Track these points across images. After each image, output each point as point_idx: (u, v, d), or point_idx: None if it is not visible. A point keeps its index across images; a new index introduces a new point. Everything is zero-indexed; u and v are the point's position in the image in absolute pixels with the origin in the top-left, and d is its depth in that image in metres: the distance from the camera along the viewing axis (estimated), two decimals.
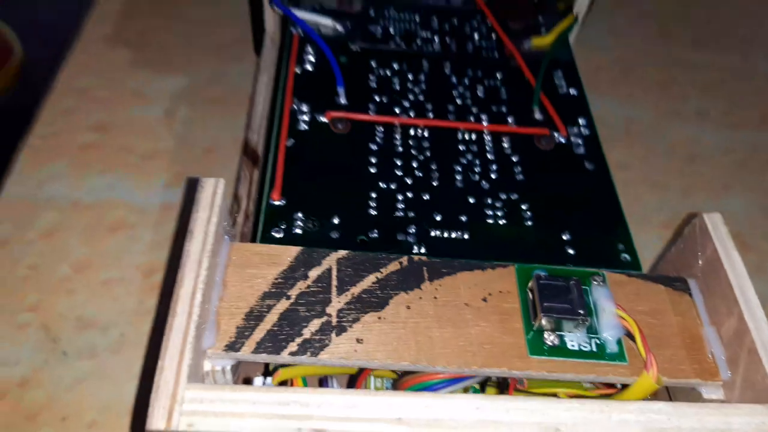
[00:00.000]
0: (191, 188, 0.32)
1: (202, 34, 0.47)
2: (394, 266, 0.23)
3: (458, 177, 0.28)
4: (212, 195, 0.22)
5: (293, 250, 0.23)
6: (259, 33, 0.40)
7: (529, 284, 0.22)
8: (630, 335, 0.22)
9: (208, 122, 0.40)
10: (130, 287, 0.31)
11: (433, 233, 0.25)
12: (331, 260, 0.23)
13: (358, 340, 0.21)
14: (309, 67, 0.31)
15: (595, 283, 0.23)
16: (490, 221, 0.26)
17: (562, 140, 0.30)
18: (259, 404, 0.18)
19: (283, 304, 0.21)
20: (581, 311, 0.21)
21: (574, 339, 0.22)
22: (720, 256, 0.23)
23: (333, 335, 0.21)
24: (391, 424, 0.18)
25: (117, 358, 0.29)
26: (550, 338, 0.21)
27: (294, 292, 0.22)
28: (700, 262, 0.24)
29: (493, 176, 0.28)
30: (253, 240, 0.26)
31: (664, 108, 0.47)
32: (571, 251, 0.25)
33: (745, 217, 0.41)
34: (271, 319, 0.21)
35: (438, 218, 0.26)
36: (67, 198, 0.35)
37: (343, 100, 0.30)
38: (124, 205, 0.35)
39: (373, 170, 0.27)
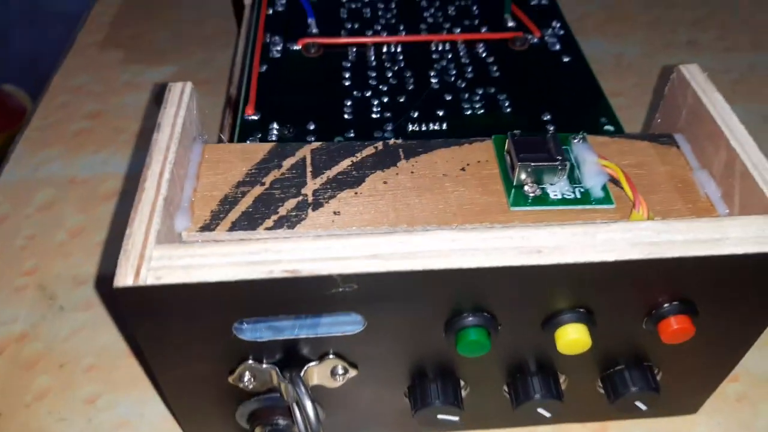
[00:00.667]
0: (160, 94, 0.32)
1: (191, 30, 0.48)
2: (369, 151, 0.23)
3: (434, 81, 0.27)
4: (180, 94, 0.22)
5: (267, 145, 0.23)
6: (239, 7, 0.40)
7: (506, 147, 0.22)
8: (615, 182, 0.21)
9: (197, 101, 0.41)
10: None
11: (410, 128, 0.25)
12: (305, 150, 0.22)
13: (335, 213, 0.20)
14: (280, 9, 0.32)
15: (575, 141, 0.22)
16: (468, 112, 0.26)
17: (536, 41, 0.30)
18: (231, 255, 0.17)
19: (257, 190, 0.21)
20: (559, 157, 0.21)
21: (557, 189, 0.21)
22: (701, 98, 0.22)
23: (309, 210, 0.20)
24: (366, 259, 0.17)
25: (112, 308, 0.29)
26: (531, 190, 0.21)
27: (268, 179, 0.21)
28: (683, 113, 0.23)
29: (468, 76, 0.28)
30: None
31: (654, 42, 0.47)
32: (551, 128, 0.25)
33: (747, 126, 0.39)
34: (245, 201, 0.21)
35: (415, 115, 0.26)
36: (63, 176, 0.35)
37: (314, 30, 0.30)
38: (117, 177, 0.35)
39: (347, 83, 0.27)
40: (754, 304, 0.19)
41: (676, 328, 0.19)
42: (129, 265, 0.17)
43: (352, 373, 0.20)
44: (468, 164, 0.22)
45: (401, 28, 0.31)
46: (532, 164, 0.20)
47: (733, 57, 0.45)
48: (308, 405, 0.19)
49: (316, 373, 0.20)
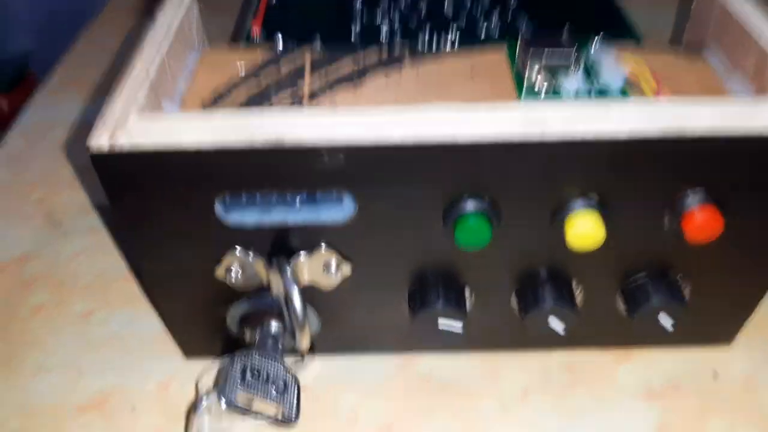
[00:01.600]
0: None
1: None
2: (373, 54, 0.22)
3: (448, 9, 0.26)
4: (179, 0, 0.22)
5: (265, 49, 0.22)
6: None
7: (518, 46, 0.21)
8: (634, 83, 0.20)
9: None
10: None
11: (420, 47, 0.24)
12: (305, 54, 0.22)
13: (332, 105, 0.19)
14: None
15: (593, 45, 0.21)
16: (483, 37, 0.25)
17: None
18: (212, 123, 0.16)
19: (252, 88, 0.20)
20: (573, 47, 0.19)
21: (572, 84, 0.19)
22: (728, 9, 0.20)
23: (305, 103, 0.20)
24: (354, 128, 0.16)
25: (112, 238, 0.28)
26: (544, 84, 0.19)
27: (264, 79, 0.21)
28: (710, 28, 0.22)
29: (485, 3, 0.27)
30: None
31: None
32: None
33: None
34: (238, 97, 0.20)
35: (426, 37, 0.25)
36: (78, 120, 0.35)
37: None
38: None
39: (357, 7, 0.27)
40: None
41: (701, 220, 0.17)
42: (105, 128, 0.16)
43: (346, 268, 0.19)
44: (477, 67, 0.21)
45: None
46: (545, 53, 0.19)
47: None
48: (294, 292, 0.18)
49: (307, 268, 0.19)
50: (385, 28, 0.25)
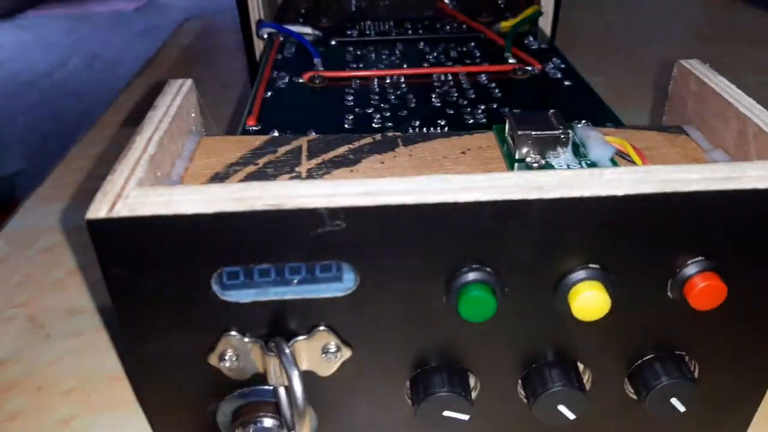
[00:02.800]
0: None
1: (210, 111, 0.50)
2: (367, 140, 0.22)
3: (436, 101, 0.28)
4: (178, 86, 0.22)
5: (264, 137, 0.22)
6: (253, 70, 0.42)
7: (507, 126, 0.21)
8: (623, 156, 0.20)
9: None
10: None
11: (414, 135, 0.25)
12: (302, 141, 0.22)
13: None
14: (288, 55, 0.33)
15: (579, 125, 0.22)
16: (470, 122, 0.26)
17: (537, 71, 0.30)
18: (212, 194, 0.16)
19: (250, 169, 0.21)
20: (561, 127, 0.20)
21: (562, 161, 0.20)
22: (705, 83, 0.22)
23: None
24: (356, 195, 0.16)
25: (102, 335, 0.27)
26: (534, 161, 0.20)
27: (262, 161, 0.21)
28: (689, 104, 0.23)
29: (471, 97, 0.28)
30: None
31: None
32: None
33: None
34: (236, 178, 0.20)
35: (416, 123, 0.26)
36: (68, 224, 0.35)
37: (320, 68, 0.31)
38: None
39: (350, 103, 0.28)
40: None
41: (703, 285, 0.17)
42: (105, 200, 0.16)
43: (346, 351, 0.18)
44: (469, 149, 0.21)
45: (404, 66, 0.32)
46: (533, 134, 0.20)
47: None
48: (294, 374, 0.17)
49: (305, 351, 0.18)
50: (377, 120, 0.26)
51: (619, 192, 0.16)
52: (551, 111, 0.21)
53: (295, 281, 0.17)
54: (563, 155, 0.20)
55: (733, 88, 0.21)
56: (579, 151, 0.20)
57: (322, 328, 0.18)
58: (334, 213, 0.16)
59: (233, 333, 0.18)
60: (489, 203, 0.16)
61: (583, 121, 0.22)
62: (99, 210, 0.16)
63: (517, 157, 0.20)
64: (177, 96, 0.22)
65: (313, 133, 0.25)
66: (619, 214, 0.16)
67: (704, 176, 0.16)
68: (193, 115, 0.23)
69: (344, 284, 0.17)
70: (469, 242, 0.16)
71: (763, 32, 0.66)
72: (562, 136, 0.20)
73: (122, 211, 0.15)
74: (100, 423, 0.23)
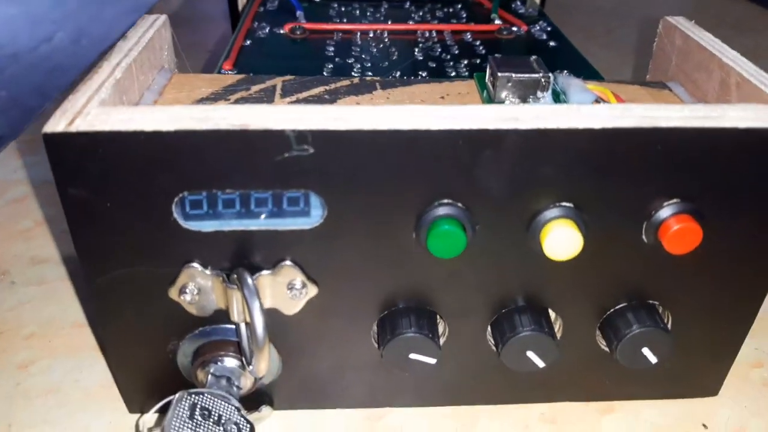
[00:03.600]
0: None
1: None
2: (344, 83, 0.22)
3: (419, 55, 0.27)
4: (152, 21, 0.22)
5: (237, 76, 0.22)
6: (236, 20, 0.41)
7: (487, 71, 0.21)
8: (603, 102, 0.20)
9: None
10: None
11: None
12: (277, 80, 0.22)
13: None
14: (270, 8, 0.32)
15: (560, 74, 0.21)
16: (452, 75, 0.25)
17: (523, 33, 0.30)
18: (175, 113, 0.15)
19: (219, 104, 0.20)
20: (542, 71, 0.19)
21: (541, 105, 0.19)
22: (690, 36, 0.21)
23: None
24: (324, 118, 0.15)
25: (67, 284, 0.26)
26: (513, 104, 0.19)
27: (234, 97, 0.20)
28: (673, 60, 0.22)
29: (455, 53, 0.27)
30: None
31: None
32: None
33: None
34: None
35: (397, 74, 0.25)
36: (39, 178, 0.34)
37: (302, 21, 0.30)
38: None
39: (330, 52, 0.27)
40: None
41: (678, 228, 0.16)
42: (64, 116, 0.15)
43: (312, 290, 0.18)
44: (448, 94, 0.21)
45: (389, 22, 0.31)
46: (514, 76, 0.19)
47: None
48: (255, 305, 0.16)
49: (270, 287, 0.17)
50: (357, 70, 0.25)
51: (596, 125, 0.15)
52: (533, 57, 0.20)
53: (263, 216, 0.16)
54: (543, 99, 0.19)
55: (717, 42, 0.21)
56: (560, 98, 0.20)
57: (287, 262, 0.17)
58: (302, 136, 0.15)
59: (195, 265, 0.17)
60: (463, 132, 0.15)
61: (565, 71, 0.21)
62: (57, 125, 0.15)
63: (496, 100, 0.20)
64: (150, 29, 0.21)
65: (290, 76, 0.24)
66: (595, 150, 0.15)
67: (683, 114, 0.16)
68: (165, 51, 0.22)
69: (312, 217, 0.16)
70: (441, 175, 0.16)
71: (750, 22, 0.66)
72: (543, 80, 0.19)
73: (81, 126, 0.15)
74: (58, 367, 0.22)
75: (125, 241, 0.16)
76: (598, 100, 0.20)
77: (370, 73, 0.25)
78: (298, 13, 0.31)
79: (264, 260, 0.17)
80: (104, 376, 0.22)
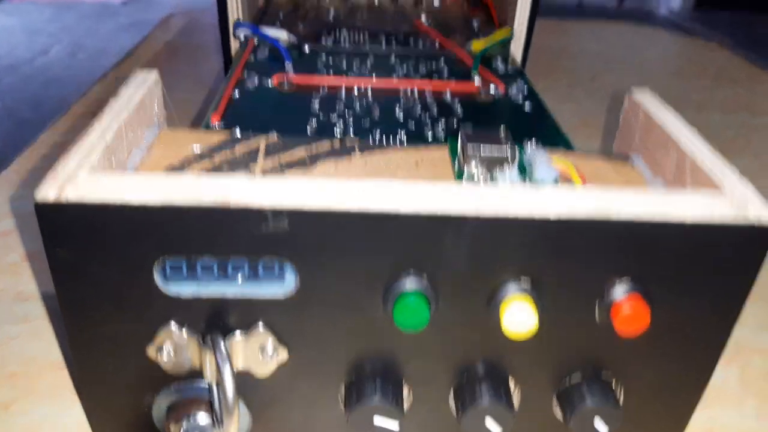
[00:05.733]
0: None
1: (182, 107, 0.50)
2: (325, 145, 0.23)
3: (399, 114, 0.28)
4: (144, 78, 0.23)
5: (223, 133, 0.23)
6: (229, 67, 0.43)
7: (459, 142, 0.22)
8: (567, 181, 0.21)
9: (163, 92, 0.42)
10: None
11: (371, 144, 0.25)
12: (261, 140, 0.23)
13: None
14: (261, 58, 0.34)
15: (528, 147, 0.22)
16: (430, 138, 0.26)
17: (501, 94, 0.31)
18: (160, 183, 0.16)
19: (205, 164, 0.21)
20: (508, 144, 0.21)
21: (507, 179, 0.21)
22: (652, 115, 0.23)
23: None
24: (300, 196, 0.16)
25: (49, 323, 0.27)
26: (482, 177, 0.20)
27: (219, 158, 0.21)
28: (636, 135, 0.24)
29: (434, 114, 0.28)
30: None
31: None
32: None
33: None
34: (191, 172, 0.20)
35: (377, 135, 0.26)
36: (29, 210, 0.35)
37: (291, 73, 0.32)
38: None
39: (315, 108, 0.28)
40: (715, 294, 0.18)
41: (629, 310, 0.17)
42: (54, 183, 0.16)
43: (283, 353, 0.19)
44: (422, 160, 0.22)
45: (373, 76, 0.32)
46: (482, 154, 0.20)
47: None
48: (226, 369, 0.17)
49: (243, 350, 0.18)
50: (339, 127, 0.27)
51: (551, 215, 0.16)
52: (501, 127, 0.22)
53: (238, 276, 0.17)
54: (509, 173, 0.21)
55: (676, 122, 0.22)
56: (525, 173, 0.21)
57: (260, 327, 0.18)
58: (279, 214, 0.16)
59: (172, 326, 0.18)
60: (426, 216, 0.16)
61: (533, 141, 0.22)
62: (48, 193, 0.16)
63: (465, 174, 0.21)
64: (141, 87, 0.22)
65: (275, 134, 0.25)
66: (550, 236, 0.17)
67: (635, 204, 0.17)
68: (155, 108, 0.23)
69: (285, 286, 0.17)
70: (407, 251, 0.17)
71: (731, 72, 0.68)
72: (509, 156, 0.20)
73: (71, 195, 0.16)
74: (39, 409, 0.23)
75: (107, 301, 0.17)
76: (560, 178, 0.21)
77: (351, 131, 0.26)
78: (287, 63, 0.32)
79: (238, 323, 0.18)
80: (83, 419, 0.22)
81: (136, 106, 0.21)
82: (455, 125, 0.27)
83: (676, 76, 0.66)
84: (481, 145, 0.20)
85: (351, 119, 0.27)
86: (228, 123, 0.26)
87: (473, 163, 0.21)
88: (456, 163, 0.22)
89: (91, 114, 0.48)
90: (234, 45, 0.40)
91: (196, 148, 0.22)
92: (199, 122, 0.36)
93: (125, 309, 0.18)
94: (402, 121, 0.28)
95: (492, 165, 0.21)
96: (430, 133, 0.26)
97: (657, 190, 0.20)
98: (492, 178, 0.20)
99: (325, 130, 0.26)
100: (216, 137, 0.22)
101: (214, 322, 0.18)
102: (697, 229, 0.17)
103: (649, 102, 0.23)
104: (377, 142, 0.25)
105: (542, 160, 0.21)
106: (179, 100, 0.51)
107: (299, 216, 0.16)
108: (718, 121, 0.54)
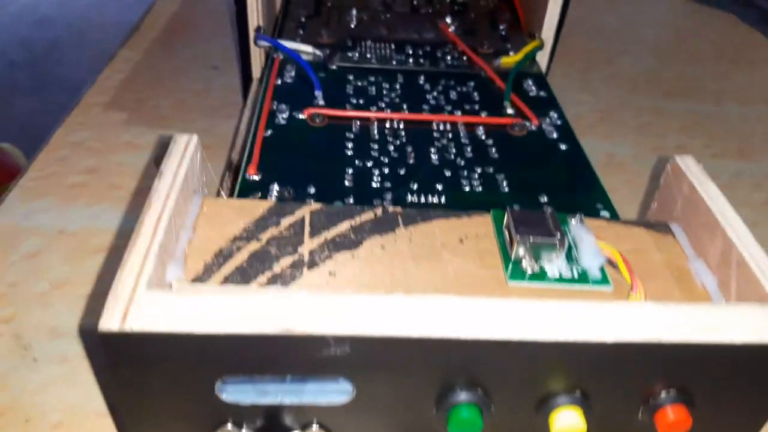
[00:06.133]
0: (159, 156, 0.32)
1: (196, 99, 0.49)
2: (368, 215, 0.23)
3: (434, 157, 0.28)
4: (185, 145, 0.22)
5: (266, 203, 0.23)
6: (247, 80, 0.42)
7: (504, 222, 0.22)
8: (613, 264, 0.21)
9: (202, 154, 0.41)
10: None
11: (409, 198, 0.25)
12: (305, 211, 0.22)
13: (331, 273, 0.20)
14: (288, 80, 0.33)
15: (572, 222, 0.22)
16: (467, 189, 0.26)
17: (534, 128, 0.30)
18: (221, 308, 0.17)
19: (253, 245, 0.21)
20: (558, 233, 0.21)
21: (555, 266, 0.21)
22: (696, 188, 0.23)
23: (304, 269, 0.20)
24: (361, 322, 0.17)
25: (87, 364, 0.27)
26: (529, 265, 0.21)
27: (265, 236, 0.21)
28: (678, 203, 0.24)
29: (468, 155, 0.28)
30: None
31: (644, 145, 0.48)
32: (548, 208, 0.25)
33: None
34: (240, 257, 0.20)
35: (414, 186, 0.26)
36: (52, 227, 0.35)
37: (321, 102, 0.31)
38: (108, 232, 0.35)
39: (349, 152, 0.28)
40: (753, 399, 0.19)
41: (672, 419, 0.18)
42: (117, 308, 0.16)
43: None
44: (466, 236, 0.22)
45: (404, 107, 0.32)
46: (531, 239, 0.20)
47: (719, 164, 0.47)
48: None
49: None
50: (376, 176, 0.26)
51: (608, 339, 0.17)
52: (549, 211, 0.22)
53: (296, 387, 0.18)
54: (557, 261, 0.21)
55: (723, 202, 0.22)
56: (571, 255, 0.21)
57: (315, 427, 0.19)
58: (340, 340, 0.16)
59: (229, 427, 0.18)
60: (483, 342, 0.17)
61: (577, 216, 0.22)
62: (111, 321, 0.16)
63: (513, 258, 0.21)
64: (183, 159, 0.22)
65: (313, 191, 0.25)
66: (604, 356, 0.17)
67: (686, 325, 0.17)
68: (196, 177, 0.23)
69: (341, 395, 0.18)
70: (463, 367, 0.17)
71: (751, 52, 0.66)
72: (558, 244, 0.21)
73: (134, 325, 0.16)
74: None
75: (166, 407, 0.18)
76: (607, 265, 0.21)
77: (388, 184, 0.26)
78: (317, 92, 0.31)
79: (294, 423, 0.19)
80: None
81: (180, 187, 0.21)
82: (492, 172, 0.27)
83: (692, 60, 0.64)
84: (530, 233, 0.21)
85: (387, 167, 0.27)
86: (264, 173, 0.26)
87: (521, 250, 0.21)
88: (501, 241, 0.22)
89: (102, 106, 0.47)
90: (254, 52, 0.38)
91: (241, 226, 0.21)
92: (232, 170, 0.35)
93: (184, 414, 0.18)
94: (438, 164, 0.27)
95: (539, 251, 0.21)
96: (467, 187, 0.26)
97: (705, 305, 0.20)
98: (540, 267, 0.21)
99: (362, 183, 0.26)
100: (259, 209, 0.22)
101: (271, 423, 0.18)
102: (746, 348, 0.17)
103: (693, 172, 0.23)
104: (416, 199, 0.25)
105: (588, 243, 0.21)
106: (195, 91, 0.50)
107: (361, 341, 0.16)
108: (735, 112, 0.54)
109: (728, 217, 0.21)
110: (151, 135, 0.44)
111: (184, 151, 0.22)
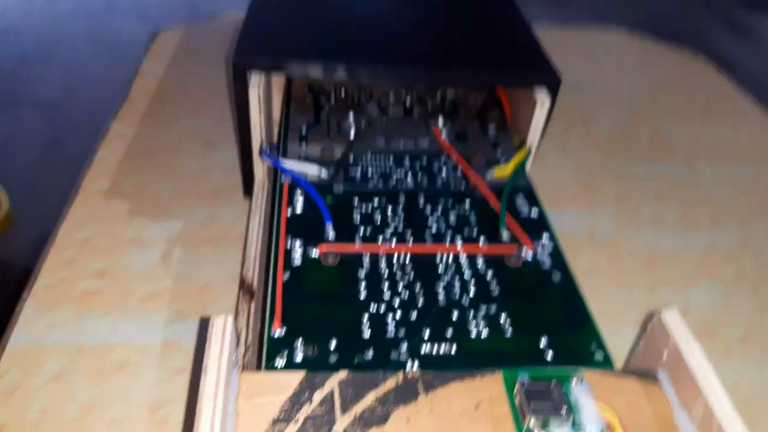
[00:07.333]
0: (203, 327, 0.34)
1: (194, 184, 0.51)
2: (391, 383, 0.25)
3: (440, 296, 0.31)
4: (222, 331, 0.25)
5: (297, 376, 0.25)
6: (249, 180, 0.44)
7: (515, 391, 0.25)
8: (610, 428, 0.24)
9: (202, 261, 0.43)
10: (137, 424, 0.32)
11: (422, 350, 0.28)
12: (333, 383, 0.25)
13: None
14: (298, 210, 0.35)
15: (574, 384, 0.25)
16: (473, 335, 0.29)
17: (529, 258, 0.33)
18: None
19: (292, 428, 0.23)
20: (564, 407, 0.23)
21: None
22: (681, 350, 0.25)
23: None
24: None
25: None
26: None
27: (301, 416, 0.24)
28: (664, 356, 0.27)
29: (471, 293, 0.31)
30: (258, 368, 0.28)
31: (623, 216, 0.52)
32: (549, 356, 0.28)
33: (710, 307, 0.44)
34: None
35: (426, 335, 0.28)
36: (72, 343, 0.37)
37: (331, 234, 0.33)
38: (126, 347, 0.37)
39: (362, 297, 0.30)
40: None
41: None
42: None
43: None
44: (481, 401, 0.25)
45: (409, 233, 0.34)
46: (542, 416, 0.23)
47: (692, 237, 0.50)
48: None
49: None
50: (390, 322, 0.29)
51: None
52: (553, 383, 0.24)
53: None
54: (563, 427, 0.24)
55: (704, 366, 0.25)
56: (575, 421, 0.24)
57: None
58: None
59: None
60: None
61: (578, 375, 0.25)
62: None
63: (524, 428, 0.24)
64: (223, 349, 0.24)
65: (334, 346, 0.27)
66: None
67: None
68: (233, 355, 0.25)
69: None
70: None
71: (718, 103, 0.70)
72: (565, 416, 0.23)
73: None
74: None
75: None
76: (605, 429, 0.24)
77: (402, 330, 0.28)
78: (327, 224, 0.33)
79: None
80: None
81: (225, 378, 0.23)
82: (494, 310, 0.30)
83: (667, 114, 0.67)
84: (540, 410, 0.23)
85: (399, 312, 0.29)
86: (288, 326, 0.28)
87: (532, 420, 0.23)
88: (513, 407, 0.24)
89: (105, 194, 0.48)
90: (256, 162, 0.40)
91: (278, 405, 0.24)
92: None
93: None
94: (444, 304, 0.30)
95: (548, 422, 0.24)
96: (474, 332, 0.29)
97: None
98: (548, 431, 0.24)
99: (378, 329, 0.28)
100: (292, 383, 0.25)
101: None
102: None
103: (679, 331, 0.26)
104: (429, 348, 0.28)
105: (588, 409, 0.24)
106: (193, 172, 0.51)
107: None
108: (708, 175, 0.57)
109: (710, 382, 0.24)
110: (154, 228, 0.46)
111: (222, 337, 0.24)
